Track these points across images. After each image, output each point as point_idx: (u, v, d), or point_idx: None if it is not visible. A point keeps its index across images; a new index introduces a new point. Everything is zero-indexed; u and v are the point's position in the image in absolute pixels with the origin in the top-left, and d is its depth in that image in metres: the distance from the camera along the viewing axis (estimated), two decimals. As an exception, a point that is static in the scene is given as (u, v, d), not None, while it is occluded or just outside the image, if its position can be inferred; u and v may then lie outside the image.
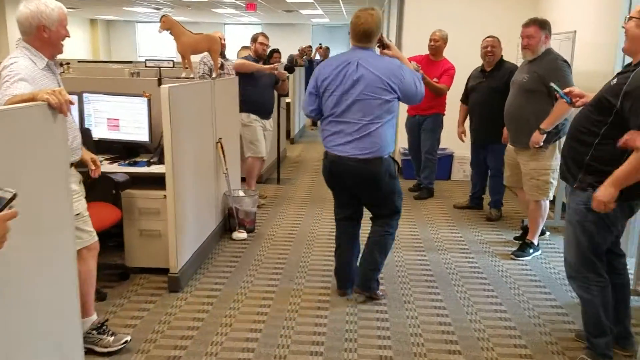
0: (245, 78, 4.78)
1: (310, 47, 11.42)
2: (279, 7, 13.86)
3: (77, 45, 19.27)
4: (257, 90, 4.98)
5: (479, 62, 6.13)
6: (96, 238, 2.70)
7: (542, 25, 3.80)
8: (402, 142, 6.61)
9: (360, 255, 3.27)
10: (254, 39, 4.94)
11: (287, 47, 15.36)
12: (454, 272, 3.70)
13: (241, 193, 4.49)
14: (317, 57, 11.00)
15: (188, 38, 3.95)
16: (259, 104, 5.03)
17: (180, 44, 3.94)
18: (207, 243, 3.89)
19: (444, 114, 5.53)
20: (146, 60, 4.17)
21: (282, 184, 6.16)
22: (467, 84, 4.96)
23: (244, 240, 4.26)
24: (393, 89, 2.86)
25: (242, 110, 4.88)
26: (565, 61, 3.80)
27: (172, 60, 4.19)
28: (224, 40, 4.31)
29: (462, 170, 6.46)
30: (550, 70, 3.73)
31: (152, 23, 19.57)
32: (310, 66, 10.63)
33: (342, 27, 20.42)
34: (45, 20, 2.33)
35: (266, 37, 4.94)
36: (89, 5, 15.20)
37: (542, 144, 3.75)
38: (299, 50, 11.41)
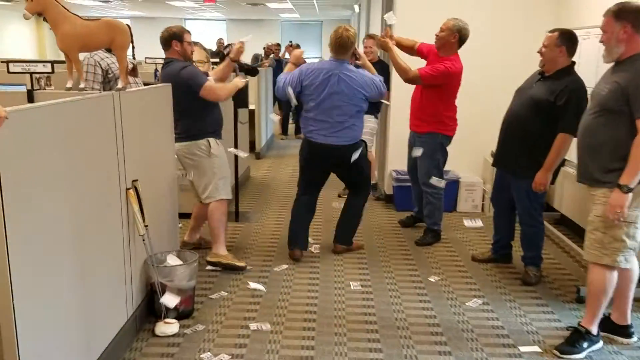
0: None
1: (278, 45, 9.95)
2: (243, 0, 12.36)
3: (19, 43, 17.37)
4: (218, 106, 3.68)
5: (482, 72, 4.87)
6: None
7: (618, 15, 2.51)
8: (393, 162, 5.24)
9: (342, 218, 3.94)
10: (178, 37, 3.46)
11: (255, 45, 13.86)
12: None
13: (171, 259, 3.01)
14: (287, 55, 9.54)
15: (74, 26, 2.45)
16: (220, 124, 3.70)
17: (61, 34, 2.44)
18: (107, 356, 2.41)
19: (446, 135, 4.09)
20: (8, 61, 2.66)
21: (242, 221, 4.70)
22: None
23: (174, 335, 2.80)
24: (365, 97, 3.61)
25: (201, 136, 3.48)
26: None
27: (50, 63, 2.70)
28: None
29: (470, 199, 5.10)
30: (633, 82, 2.44)
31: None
32: (279, 66, 9.17)
33: (313, 24, 19.00)
34: None
35: (190, 34, 3.58)
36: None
37: (626, 211, 2.44)
38: (264, 48, 9.94)
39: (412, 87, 4.18)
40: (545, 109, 3.19)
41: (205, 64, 5.35)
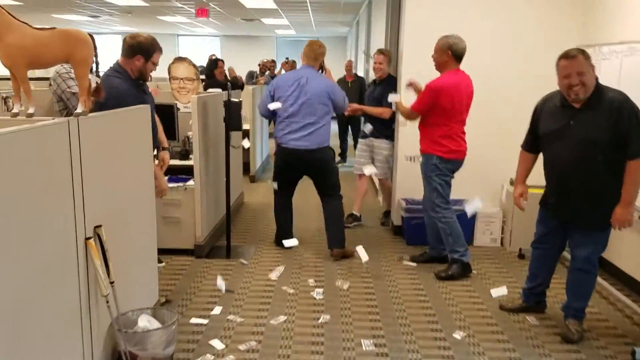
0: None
1: (273, 61, 9.51)
2: (237, 15, 11.92)
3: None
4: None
5: (501, 93, 4.45)
6: None
7: None
8: (402, 190, 4.73)
9: (328, 224, 4.23)
10: (146, 54, 3.04)
11: (250, 62, 13.46)
12: None
13: (144, 321, 2.46)
14: (283, 72, 9.10)
15: (21, 36, 1.94)
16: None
17: (5, 46, 1.94)
18: None
19: (442, 157, 3.71)
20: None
21: (234, 258, 4.15)
22: (533, 120, 3.05)
23: (147, 419, 2.25)
24: (330, 97, 4.03)
25: None
26: None
27: None
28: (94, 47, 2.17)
29: (488, 232, 4.59)
30: None
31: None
32: (274, 83, 8.71)
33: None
34: None
35: (160, 53, 3.20)
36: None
37: None
38: (259, 65, 9.50)
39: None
40: (609, 145, 2.67)
41: (194, 82, 4.88)
